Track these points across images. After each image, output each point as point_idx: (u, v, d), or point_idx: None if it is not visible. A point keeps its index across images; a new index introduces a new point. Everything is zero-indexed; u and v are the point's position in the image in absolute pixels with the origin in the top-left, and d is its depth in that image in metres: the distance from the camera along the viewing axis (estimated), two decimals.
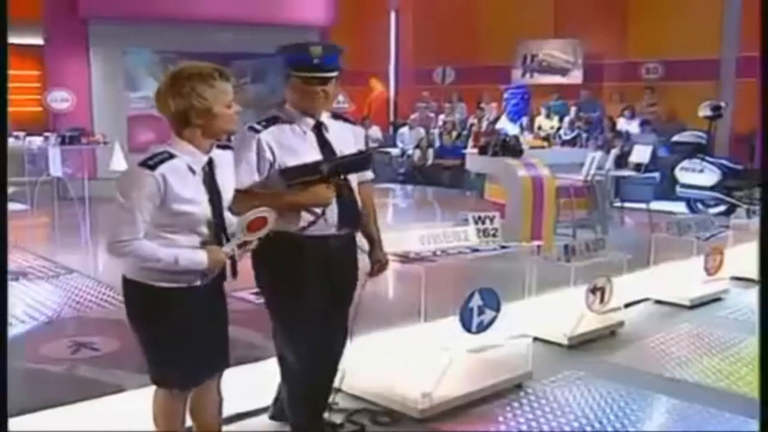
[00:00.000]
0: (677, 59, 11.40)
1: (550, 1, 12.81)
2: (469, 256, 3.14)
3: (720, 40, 11.09)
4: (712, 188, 8.38)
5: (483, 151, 5.63)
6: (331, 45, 2.57)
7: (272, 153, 2.44)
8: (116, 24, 9.57)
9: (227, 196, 2.23)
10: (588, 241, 4.17)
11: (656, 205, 7.81)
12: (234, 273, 2.26)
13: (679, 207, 8.42)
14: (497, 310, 3.24)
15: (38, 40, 10.56)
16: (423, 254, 3.05)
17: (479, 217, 3.38)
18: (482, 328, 3.21)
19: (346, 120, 2.65)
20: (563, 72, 13.01)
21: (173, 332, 2.16)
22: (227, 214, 2.22)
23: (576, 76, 12.77)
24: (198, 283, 2.18)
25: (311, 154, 2.47)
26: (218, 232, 2.19)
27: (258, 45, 9.22)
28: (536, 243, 3.90)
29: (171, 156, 2.09)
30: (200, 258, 2.14)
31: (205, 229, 2.16)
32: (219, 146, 2.23)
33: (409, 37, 14.27)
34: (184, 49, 8.34)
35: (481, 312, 3.17)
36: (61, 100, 8.94)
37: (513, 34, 12.74)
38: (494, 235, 3.38)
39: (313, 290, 2.52)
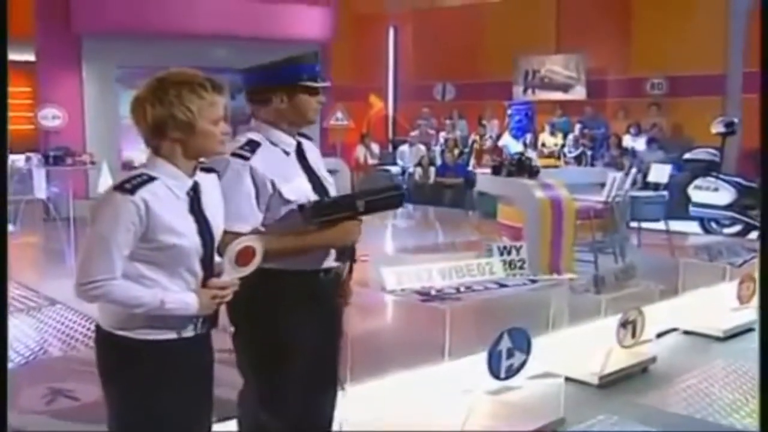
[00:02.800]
0: (682, 74, 11.18)
1: (552, 16, 12.61)
2: (496, 293, 2.80)
3: (725, 54, 10.88)
4: (727, 207, 8.07)
5: (496, 171, 5.30)
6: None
7: (272, 183, 2.07)
8: (111, 39, 9.29)
9: (217, 227, 1.87)
10: (617, 271, 3.84)
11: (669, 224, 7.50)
12: (215, 321, 1.91)
13: (690, 226, 8.10)
14: (528, 352, 2.89)
15: (29, 56, 10.26)
16: (445, 291, 2.71)
17: (504, 248, 3.06)
18: (512, 373, 2.86)
19: (307, 137, 2.32)
20: (565, 88, 12.76)
21: (159, 393, 1.80)
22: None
23: (579, 92, 12.52)
24: (190, 333, 1.84)
25: (300, 179, 2.15)
26: (207, 271, 1.84)
27: (255, 60, 8.92)
28: (568, 276, 3.54)
29: (150, 178, 1.75)
30: (191, 300, 1.79)
31: (195, 267, 1.81)
32: (203, 169, 1.88)
33: (409, 53, 14.03)
34: (177, 64, 8.05)
35: (510, 355, 2.83)
36: (52, 117, 8.62)
37: (514, 49, 12.51)
38: (521, 267, 3.06)
39: (308, 336, 2.15)
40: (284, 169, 2.12)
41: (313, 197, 2.14)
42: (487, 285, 2.82)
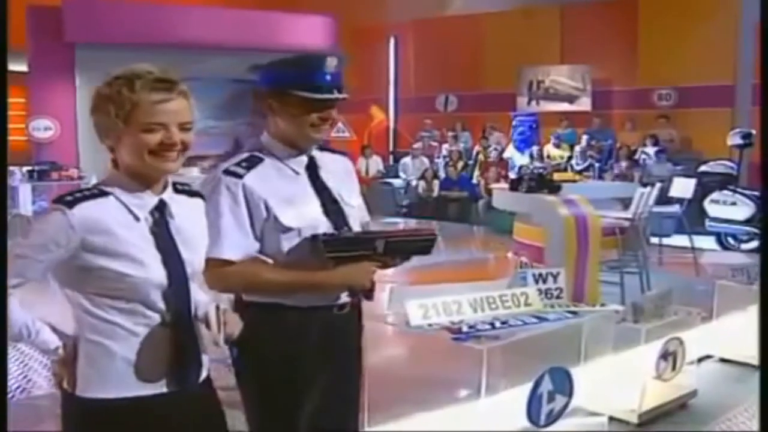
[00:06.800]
0: (691, 85, 10.93)
1: (557, 26, 12.38)
2: (535, 328, 2.47)
3: (734, 65, 10.65)
4: (745, 222, 7.77)
5: (514, 186, 4.99)
6: (340, 55, 1.91)
7: (266, 206, 1.77)
8: (105, 48, 9.01)
9: (191, 256, 1.51)
10: (655, 297, 3.51)
11: (679, 239, 7.22)
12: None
13: (703, 241, 7.78)
14: (570, 394, 2.56)
15: (21, 66, 9.97)
16: (479, 327, 2.38)
17: (540, 275, 2.73)
18: (552, 419, 2.53)
19: (333, 151, 2.01)
20: (571, 99, 12.50)
21: None
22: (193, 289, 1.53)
23: (584, 103, 12.26)
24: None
25: (309, 202, 1.84)
26: (181, 310, 1.48)
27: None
28: (614, 308, 3.22)
29: (103, 193, 1.44)
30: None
31: (159, 304, 1.46)
32: (185, 192, 1.56)
33: (410, 64, 13.77)
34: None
35: (551, 399, 2.49)
36: (44, 128, 8.31)
37: (518, 60, 12.26)
38: (558, 297, 2.74)
39: (324, 381, 1.87)
40: (288, 190, 1.81)
41: (324, 225, 1.82)
42: (525, 319, 2.49)
